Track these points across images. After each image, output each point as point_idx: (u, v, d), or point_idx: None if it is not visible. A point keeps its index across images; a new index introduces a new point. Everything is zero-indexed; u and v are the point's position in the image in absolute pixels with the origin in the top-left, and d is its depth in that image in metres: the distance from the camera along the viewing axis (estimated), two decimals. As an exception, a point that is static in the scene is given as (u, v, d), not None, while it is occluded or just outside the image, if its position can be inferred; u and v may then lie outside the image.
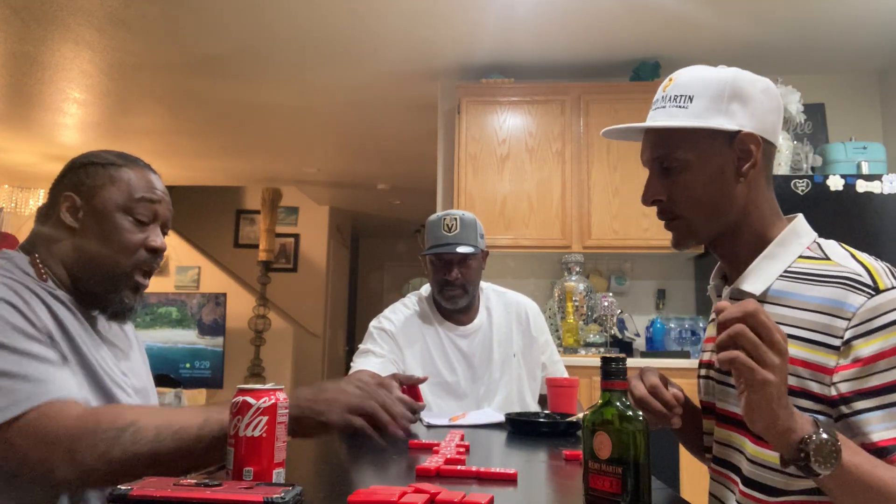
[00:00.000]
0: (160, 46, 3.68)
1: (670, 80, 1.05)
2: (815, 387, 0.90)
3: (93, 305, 1.11)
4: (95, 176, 1.10)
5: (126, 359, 1.17)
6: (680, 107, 1.01)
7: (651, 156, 1.05)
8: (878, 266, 0.94)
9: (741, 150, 1.00)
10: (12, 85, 4.21)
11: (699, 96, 1.00)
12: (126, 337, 1.21)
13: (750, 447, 0.98)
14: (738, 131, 0.99)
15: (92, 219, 1.08)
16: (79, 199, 1.09)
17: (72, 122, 4.91)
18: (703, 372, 1.16)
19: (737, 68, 1.03)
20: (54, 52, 3.71)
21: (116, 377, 1.08)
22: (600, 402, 0.81)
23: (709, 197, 1.01)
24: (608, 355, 0.82)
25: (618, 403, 0.79)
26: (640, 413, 0.79)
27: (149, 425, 0.90)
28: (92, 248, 1.08)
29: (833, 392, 0.88)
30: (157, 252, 1.12)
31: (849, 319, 0.89)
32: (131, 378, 1.14)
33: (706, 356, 1.16)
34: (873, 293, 0.89)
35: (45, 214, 1.12)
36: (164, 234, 1.15)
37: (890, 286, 0.90)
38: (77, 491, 0.96)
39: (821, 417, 0.89)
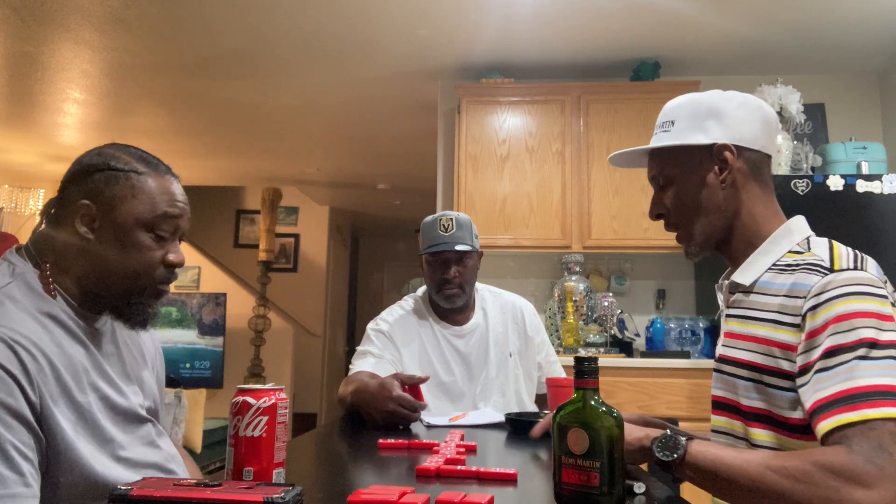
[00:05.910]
0: (160, 46, 3.68)
1: (662, 112, 1.20)
2: (785, 365, 0.98)
3: (111, 315, 1.06)
4: (115, 185, 1.03)
5: (136, 374, 1.12)
6: (665, 131, 1.17)
7: (650, 176, 1.21)
8: (844, 252, 1.01)
9: (719, 160, 1.12)
10: (12, 85, 4.20)
11: (679, 119, 1.15)
12: (139, 341, 1.17)
13: (752, 432, 1.03)
14: (713, 144, 1.11)
15: (110, 232, 1.02)
16: (95, 209, 1.02)
17: (72, 122, 4.90)
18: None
19: (718, 90, 1.17)
20: (54, 52, 3.71)
21: (121, 404, 1.04)
22: (574, 400, 0.85)
23: (697, 204, 1.13)
24: (580, 356, 0.86)
25: (591, 402, 0.83)
26: (615, 409, 0.83)
27: None
28: (109, 264, 1.02)
29: (796, 367, 0.96)
30: (175, 267, 1.08)
31: (804, 297, 0.97)
32: (142, 398, 1.10)
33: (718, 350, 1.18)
34: (827, 273, 0.97)
35: (55, 217, 1.05)
36: (181, 241, 1.11)
37: (845, 267, 0.97)
38: None
39: (793, 394, 0.97)
